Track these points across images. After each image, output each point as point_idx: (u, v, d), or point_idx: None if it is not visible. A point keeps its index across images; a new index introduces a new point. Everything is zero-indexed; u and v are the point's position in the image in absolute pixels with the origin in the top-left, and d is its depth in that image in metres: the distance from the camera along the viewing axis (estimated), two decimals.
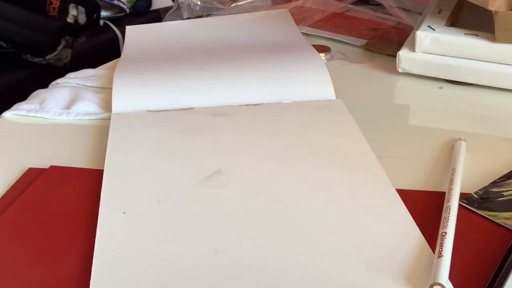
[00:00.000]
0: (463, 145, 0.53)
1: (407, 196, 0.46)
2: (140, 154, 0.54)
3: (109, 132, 0.57)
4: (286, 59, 0.69)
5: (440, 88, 0.67)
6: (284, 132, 0.57)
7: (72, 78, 0.69)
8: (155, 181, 0.49)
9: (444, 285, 0.36)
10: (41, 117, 0.62)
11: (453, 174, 0.48)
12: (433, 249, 0.40)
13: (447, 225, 0.42)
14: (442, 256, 0.39)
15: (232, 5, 0.89)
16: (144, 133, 0.58)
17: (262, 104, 0.62)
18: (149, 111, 0.61)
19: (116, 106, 0.61)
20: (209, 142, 0.55)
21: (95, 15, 1.47)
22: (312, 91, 0.64)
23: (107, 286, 0.38)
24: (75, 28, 1.36)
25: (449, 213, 0.43)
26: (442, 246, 0.40)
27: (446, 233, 0.41)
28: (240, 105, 0.62)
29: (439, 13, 0.71)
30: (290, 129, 0.58)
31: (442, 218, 0.43)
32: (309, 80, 0.65)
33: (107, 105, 0.63)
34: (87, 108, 0.63)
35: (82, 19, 1.38)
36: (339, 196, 0.47)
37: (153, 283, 0.39)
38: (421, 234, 0.42)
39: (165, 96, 0.63)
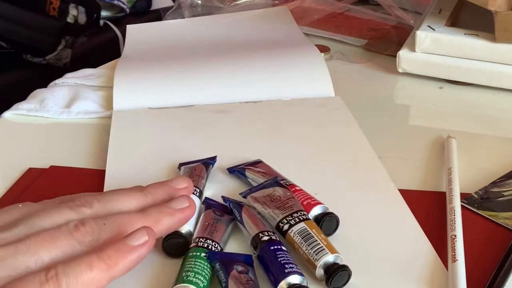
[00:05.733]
0: (453, 143, 0.53)
1: (407, 196, 0.46)
2: (141, 150, 0.54)
3: (111, 129, 0.57)
4: (285, 56, 0.69)
5: (440, 88, 0.67)
6: (284, 129, 0.57)
7: (70, 78, 0.69)
8: (157, 178, 0.49)
9: None
10: (42, 116, 0.62)
11: (450, 174, 0.48)
12: (437, 251, 0.41)
13: (455, 227, 0.42)
14: (457, 260, 0.39)
15: (232, 4, 0.89)
16: (145, 130, 0.58)
17: (262, 101, 0.62)
18: (150, 108, 0.61)
19: (117, 103, 0.62)
20: (210, 139, 0.56)
21: (95, 15, 1.47)
22: (311, 88, 0.64)
23: (109, 285, 0.38)
24: (75, 28, 1.36)
25: (454, 215, 0.43)
26: (454, 249, 0.39)
27: (455, 235, 0.41)
28: (240, 102, 0.62)
29: (439, 13, 0.71)
30: (290, 126, 0.58)
31: (448, 220, 0.43)
32: (308, 77, 0.65)
33: (107, 104, 0.63)
34: (88, 107, 0.63)
35: (82, 19, 1.39)
36: (340, 196, 0.47)
37: (153, 282, 0.39)
38: (424, 235, 0.42)
39: (166, 93, 0.63)
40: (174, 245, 0.40)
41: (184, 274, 0.36)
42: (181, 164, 0.49)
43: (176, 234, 0.40)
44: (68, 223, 0.35)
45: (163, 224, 0.37)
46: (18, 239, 0.34)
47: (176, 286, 0.36)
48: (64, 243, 0.34)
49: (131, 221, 0.36)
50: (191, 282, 0.36)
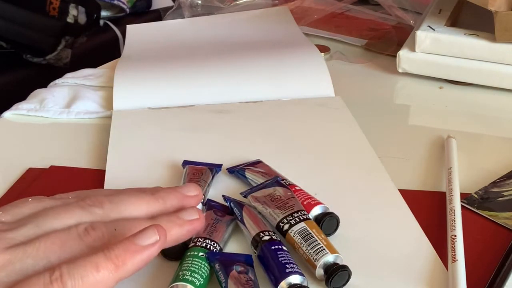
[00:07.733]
0: (453, 143, 0.53)
1: (407, 196, 0.46)
2: (141, 150, 0.54)
3: (111, 129, 0.57)
4: (285, 56, 0.69)
5: (440, 88, 0.67)
6: (284, 129, 0.57)
7: (70, 78, 0.69)
8: (157, 178, 0.49)
9: None
10: (42, 116, 0.62)
11: (450, 174, 0.48)
12: (437, 251, 0.41)
13: (455, 227, 0.42)
14: (457, 260, 0.39)
15: (232, 4, 0.89)
16: (145, 130, 0.58)
17: (262, 101, 0.62)
18: (150, 108, 0.61)
19: (117, 103, 0.62)
20: (210, 139, 0.56)
21: (95, 15, 1.47)
22: (311, 88, 0.64)
23: None
24: (75, 28, 1.36)
25: (454, 215, 0.43)
26: (454, 249, 0.40)
27: (455, 236, 0.41)
28: (240, 102, 0.62)
29: (439, 13, 0.71)
30: (290, 126, 0.58)
31: (448, 220, 0.43)
32: (308, 77, 0.65)
33: (107, 104, 0.63)
34: (88, 107, 0.63)
35: (82, 19, 1.38)
36: (340, 196, 0.47)
37: (151, 285, 0.39)
38: (424, 235, 0.42)
39: (165, 93, 0.63)
40: (172, 248, 0.39)
41: (180, 273, 0.36)
42: (185, 162, 0.49)
43: None
44: (78, 225, 0.34)
45: (172, 234, 0.37)
46: (27, 240, 0.33)
47: (172, 284, 0.36)
48: (74, 248, 0.33)
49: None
50: (186, 281, 0.36)
